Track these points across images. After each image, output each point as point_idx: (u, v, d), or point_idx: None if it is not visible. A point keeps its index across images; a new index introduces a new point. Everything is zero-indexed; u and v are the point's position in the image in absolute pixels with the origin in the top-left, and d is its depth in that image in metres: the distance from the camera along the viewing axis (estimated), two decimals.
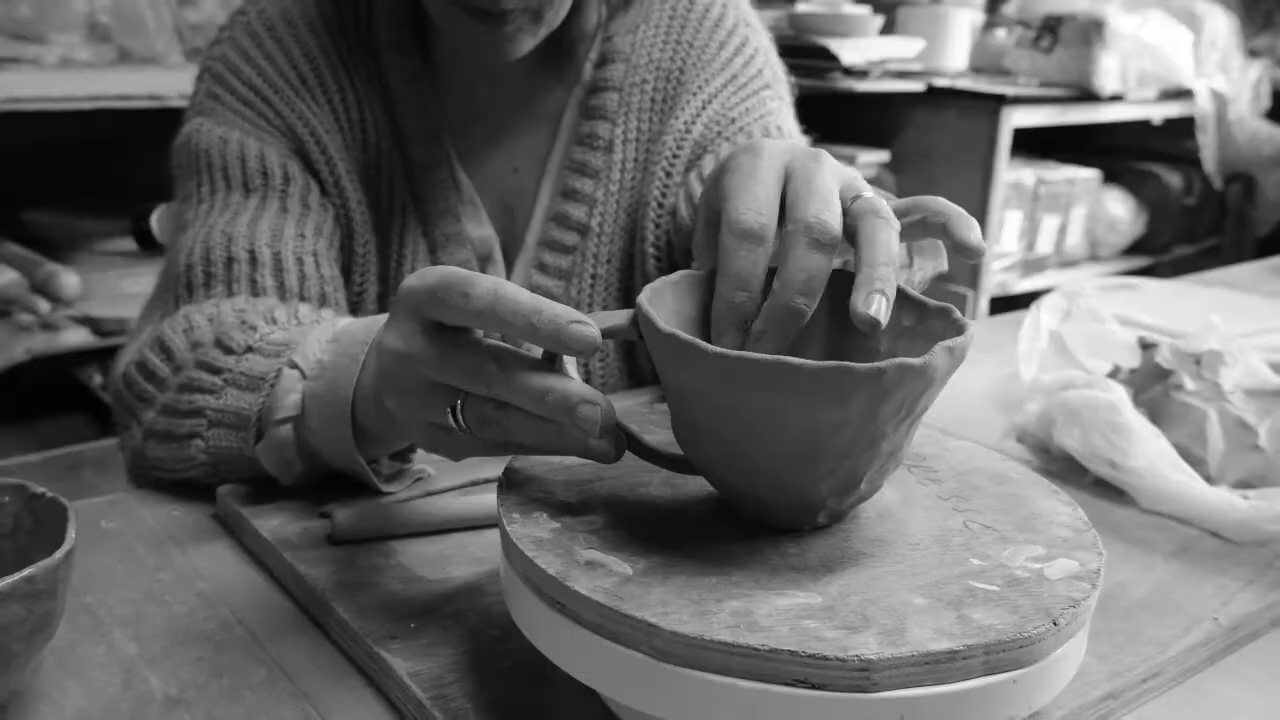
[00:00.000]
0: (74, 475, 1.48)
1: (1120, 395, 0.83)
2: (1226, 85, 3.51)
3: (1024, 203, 2.88)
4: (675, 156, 0.94)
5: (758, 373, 0.45)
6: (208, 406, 0.69)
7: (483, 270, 0.93)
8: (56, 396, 1.98)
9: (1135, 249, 3.46)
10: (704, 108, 0.94)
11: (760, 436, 0.47)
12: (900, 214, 0.56)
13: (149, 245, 1.74)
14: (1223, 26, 3.51)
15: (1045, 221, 2.99)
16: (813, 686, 0.41)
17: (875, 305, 0.47)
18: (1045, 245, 3.01)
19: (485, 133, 0.95)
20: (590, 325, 0.48)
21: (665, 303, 0.53)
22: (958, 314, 0.51)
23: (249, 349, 0.70)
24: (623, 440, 0.51)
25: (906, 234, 0.56)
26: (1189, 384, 0.88)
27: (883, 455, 0.48)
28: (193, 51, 1.84)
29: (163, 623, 0.57)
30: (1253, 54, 3.86)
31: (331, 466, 0.67)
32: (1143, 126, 3.51)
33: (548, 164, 0.95)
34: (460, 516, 0.64)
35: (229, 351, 0.70)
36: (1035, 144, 3.04)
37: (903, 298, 0.53)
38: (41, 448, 1.69)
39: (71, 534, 0.47)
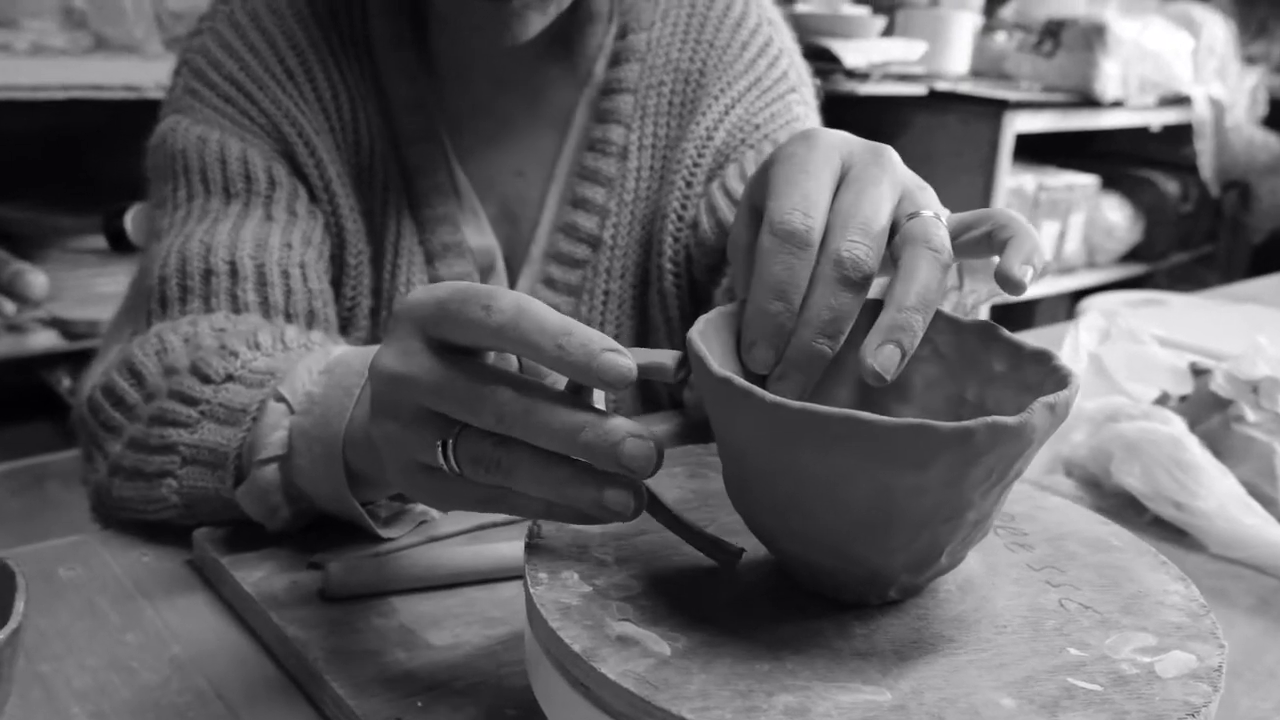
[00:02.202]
0: (38, 489, 1.39)
1: (1181, 428, 0.77)
2: (1224, 92, 3.47)
3: (1025, 209, 2.83)
4: (696, 165, 0.86)
5: (823, 428, 0.38)
6: (181, 442, 0.61)
7: (484, 283, 0.86)
8: (23, 402, 1.90)
9: (1132, 256, 3.42)
10: (726, 113, 0.87)
11: (824, 500, 0.40)
12: (965, 227, 0.51)
13: (123, 245, 1.66)
14: (1220, 33, 3.48)
15: (1045, 227, 2.94)
16: None
17: (885, 357, 0.42)
18: (1045, 252, 2.96)
19: (487, 133, 0.87)
20: (626, 356, 0.42)
21: (720, 337, 0.45)
22: (1059, 360, 0.44)
23: (229, 377, 0.62)
24: (644, 496, 0.43)
25: (969, 250, 0.50)
26: (1250, 415, 0.81)
27: (968, 525, 0.41)
28: (173, 41, 1.76)
29: (128, 695, 0.49)
30: (1249, 61, 3.83)
31: (321, 510, 0.59)
32: (1140, 133, 3.47)
33: (555, 169, 0.88)
34: (470, 569, 0.56)
35: (206, 380, 0.63)
36: (1034, 149, 2.98)
37: (993, 337, 0.46)
38: (6, 456, 1.61)
39: (20, 607, 0.40)
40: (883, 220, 0.45)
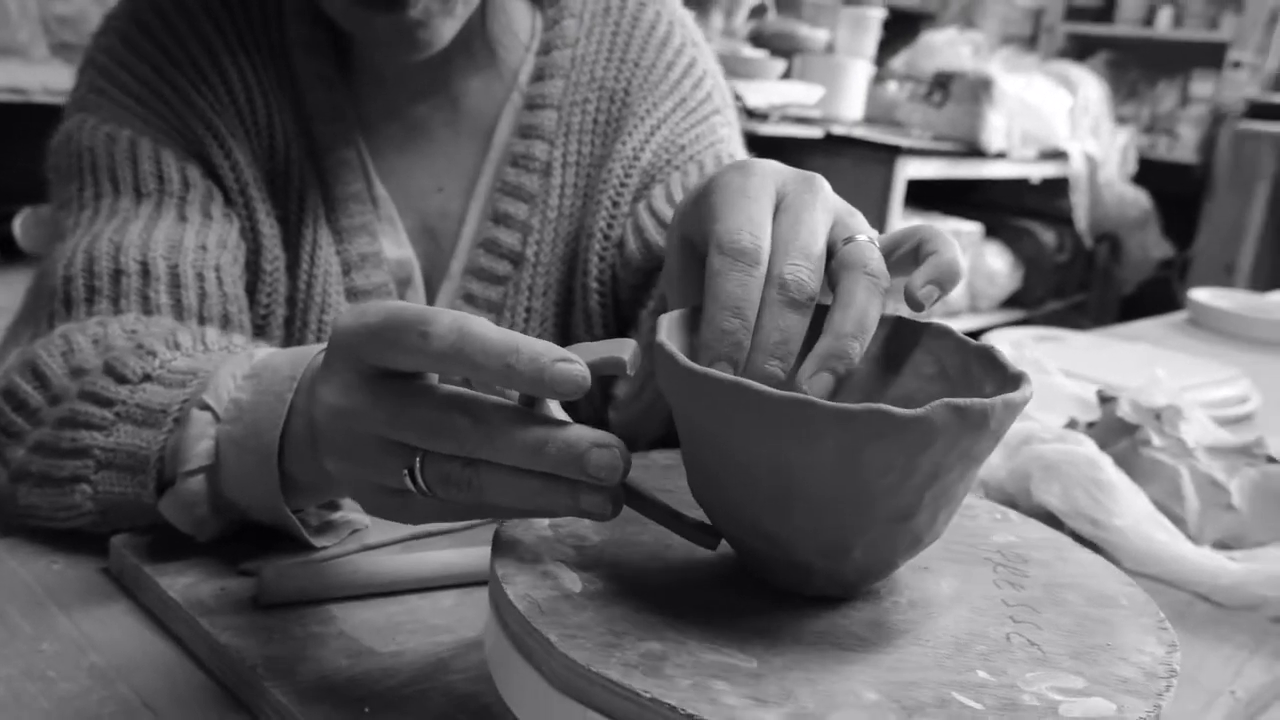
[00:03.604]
0: None
1: (1095, 450, 0.79)
2: (1098, 149, 3.64)
3: None
4: (623, 185, 0.86)
5: (720, 395, 0.39)
6: (95, 445, 0.58)
7: (401, 298, 0.84)
8: None
9: (1011, 302, 3.54)
10: (653, 133, 0.87)
11: (731, 469, 0.42)
12: (894, 245, 0.51)
13: (10, 252, 1.58)
14: (1094, 93, 3.65)
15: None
16: None
17: (820, 384, 0.43)
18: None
19: (406, 146, 0.85)
20: (578, 363, 0.41)
21: (676, 340, 0.45)
22: (1020, 383, 0.43)
23: (146, 377, 0.59)
24: (620, 494, 0.43)
25: (900, 268, 0.51)
26: (1156, 440, 0.84)
27: (881, 521, 0.41)
28: (60, 46, 1.70)
29: (48, 706, 0.46)
30: (1121, 121, 4.02)
31: (251, 519, 0.57)
32: (1019, 184, 3.61)
33: (476, 184, 0.86)
34: (410, 577, 0.55)
35: (122, 380, 0.59)
36: (921, 195, 3.07)
37: (992, 361, 0.46)
38: None
39: None
40: (820, 244, 0.46)
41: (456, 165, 0.86)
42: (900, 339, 0.48)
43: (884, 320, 0.48)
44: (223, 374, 0.56)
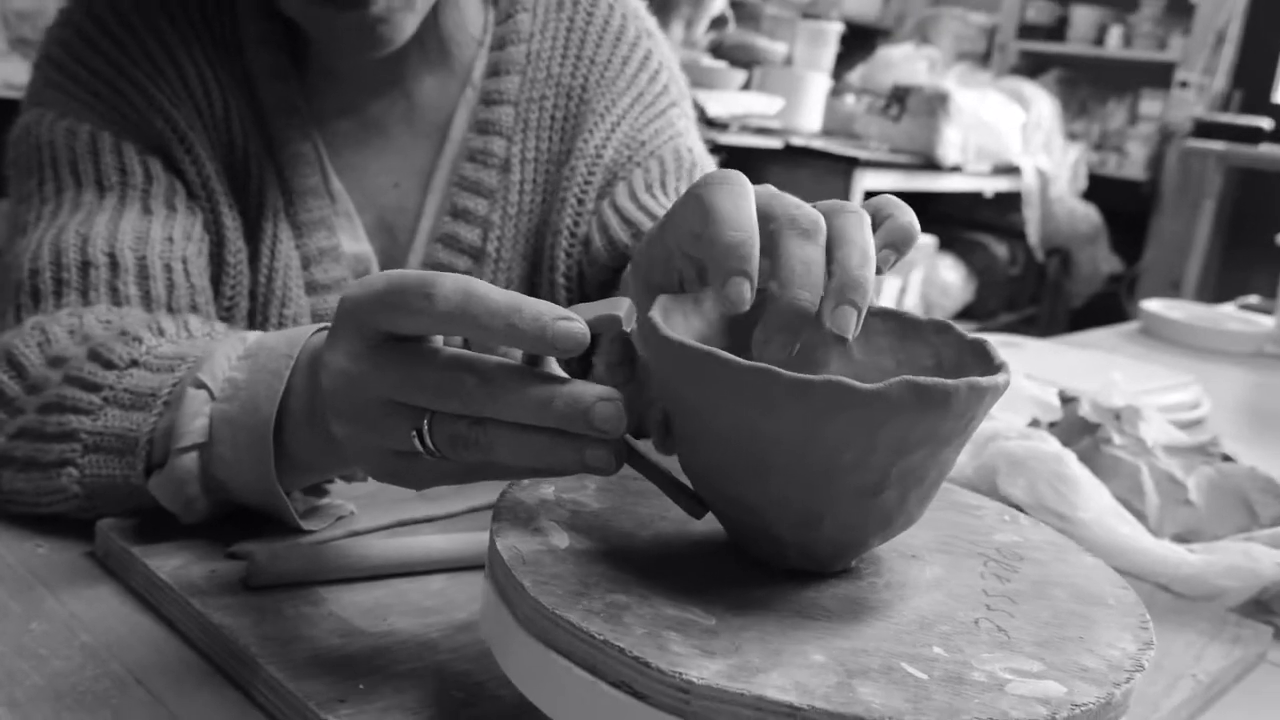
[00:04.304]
0: None
1: (1060, 446, 0.81)
2: (1049, 165, 3.70)
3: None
4: (588, 182, 0.87)
5: (693, 362, 0.41)
6: (82, 429, 0.58)
7: None
8: None
9: (964, 314, 3.59)
10: (613, 130, 0.88)
11: (704, 433, 0.43)
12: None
13: None
14: (1047, 110, 3.72)
15: (887, 283, 3.06)
16: (634, 694, 0.37)
17: (842, 317, 0.42)
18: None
19: (362, 141, 0.86)
20: (578, 321, 0.42)
21: (672, 320, 0.47)
22: (1001, 372, 0.44)
23: (134, 363, 0.60)
24: (623, 449, 0.44)
25: None
26: (1116, 438, 0.86)
27: (847, 495, 0.42)
28: (18, 41, 1.69)
29: (41, 681, 0.46)
30: (1071, 138, 4.10)
31: (239, 502, 0.57)
32: (973, 197, 3.66)
33: (433, 180, 0.87)
34: (398, 561, 0.55)
35: (109, 366, 0.60)
36: None
37: (985, 356, 0.46)
38: None
39: None
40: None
41: (412, 161, 0.87)
42: (901, 334, 0.49)
43: (886, 315, 0.49)
44: (218, 355, 0.57)
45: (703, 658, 0.37)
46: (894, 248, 0.47)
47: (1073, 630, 0.43)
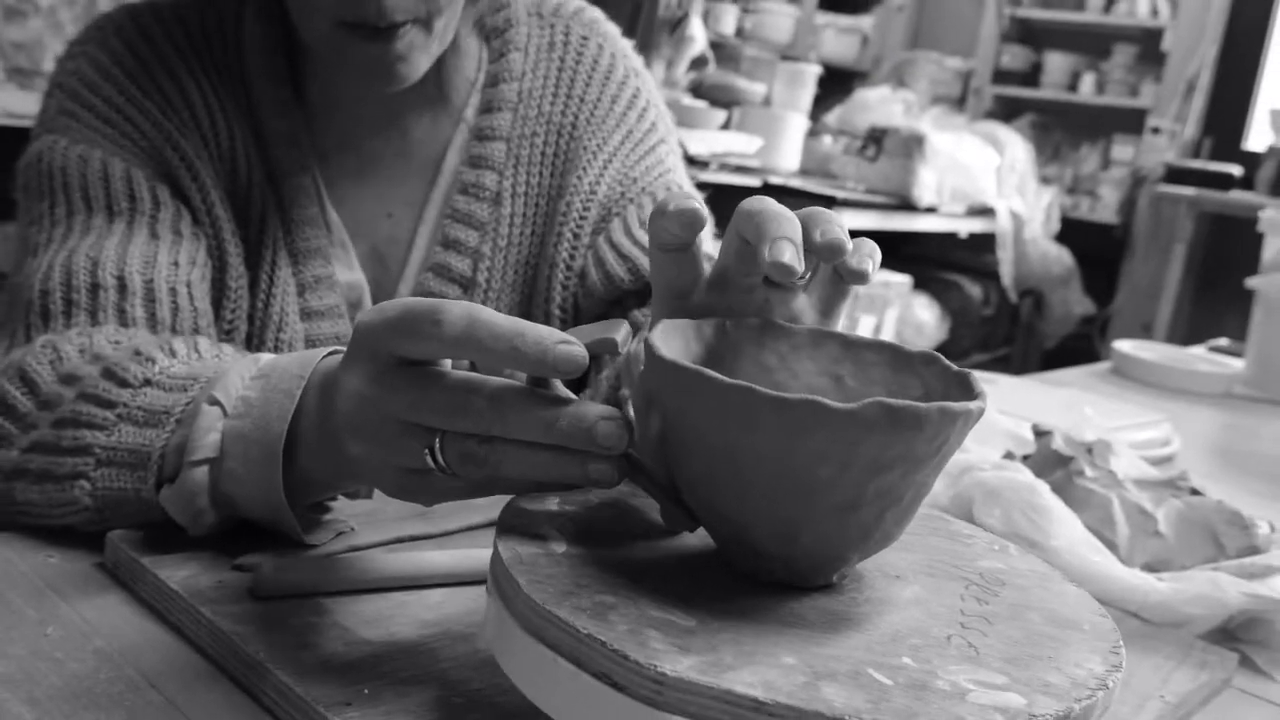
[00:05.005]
0: None
1: (1033, 477, 0.84)
2: (1023, 207, 3.77)
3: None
4: (583, 218, 0.90)
5: (685, 379, 0.44)
6: (96, 444, 0.60)
7: (352, 319, 0.87)
8: None
9: (938, 353, 3.62)
10: (605, 168, 0.91)
11: (691, 447, 0.45)
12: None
13: None
14: (1021, 154, 3.78)
15: (863, 321, 3.10)
16: (614, 685, 0.39)
17: (860, 260, 0.49)
18: (881, 339, 3.15)
19: (358, 173, 0.89)
20: (576, 344, 0.45)
21: (671, 344, 0.49)
22: (976, 401, 0.47)
23: (147, 381, 0.62)
24: (624, 463, 0.47)
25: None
26: (1088, 471, 0.89)
27: (825, 511, 0.44)
28: (14, 70, 1.70)
29: (59, 683, 0.48)
30: (1045, 181, 4.17)
31: (246, 515, 0.59)
32: (948, 238, 3.72)
33: (425, 211, 0.90)
34: (401, 574, 0.57)
35: (124, 384, 0.62)
36: None
37: (968, 387, 0.49)
38: None
39: None
40: None
41: (405, 193, 0.90)
42: (895, 365, 0.52)
43: (881, 347, 0.52)
44: (232, 374, 0.59)
45: (679, 654, 0.39)
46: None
47: (1044, 650, 0.45)
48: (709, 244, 0.63)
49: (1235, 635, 0.75)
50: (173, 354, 0.65)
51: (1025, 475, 0.84)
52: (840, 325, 0.56)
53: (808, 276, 0.54)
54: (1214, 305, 4.13)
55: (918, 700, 0.39)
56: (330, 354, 0.58)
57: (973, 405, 0.45)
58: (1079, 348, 4.11)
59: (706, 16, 3.24)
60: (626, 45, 0.98)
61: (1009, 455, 0.97)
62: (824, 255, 0.49)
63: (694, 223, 0.48)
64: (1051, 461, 0.92)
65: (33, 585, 0.56)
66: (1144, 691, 0.63)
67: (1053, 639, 0.46)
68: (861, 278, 0.51)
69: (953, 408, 0.43)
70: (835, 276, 0.54)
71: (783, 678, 0.39)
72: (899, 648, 0.43)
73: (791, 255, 0.46)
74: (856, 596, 0.48)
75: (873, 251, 0.52)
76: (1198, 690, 0.65)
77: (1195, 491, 0.89)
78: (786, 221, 0.47)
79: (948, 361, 0.51)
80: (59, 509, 0.61)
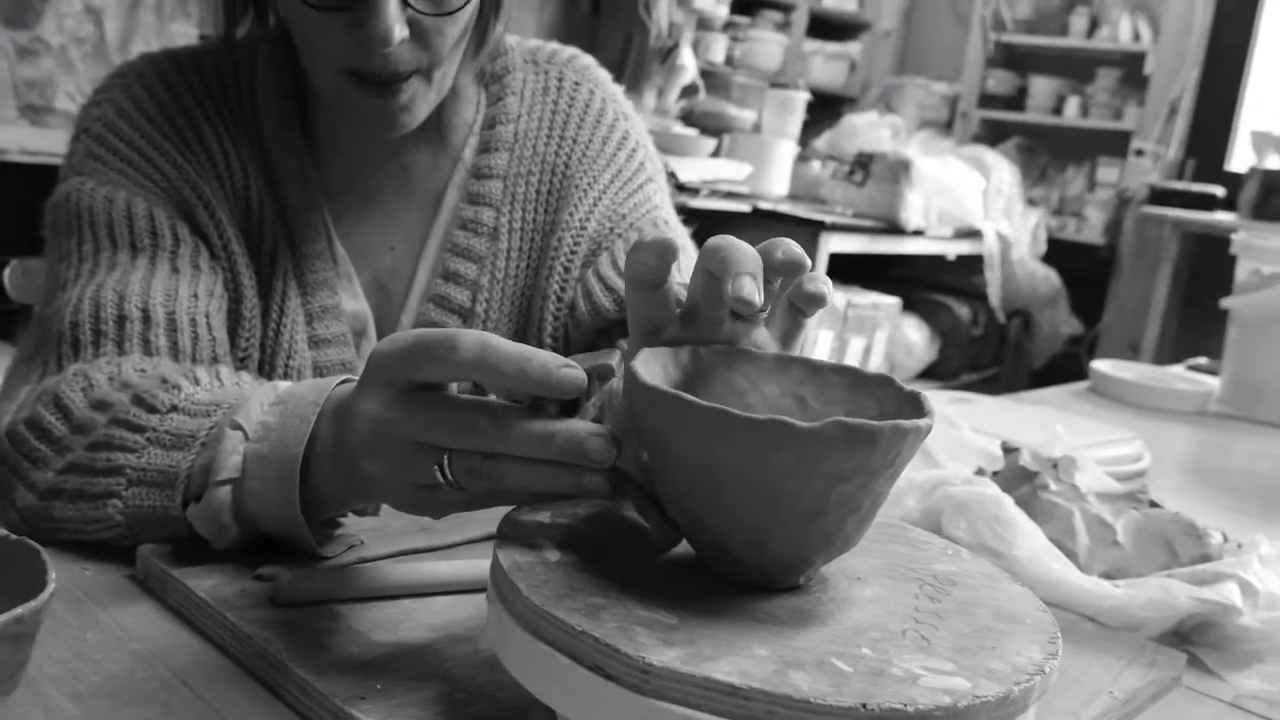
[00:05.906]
0: None
1: (999, 492, 0.89)
2: (1010, 229, 3.82)
3: (835, 324, 3.04)
4: (573, 252, 0.96)
5: (666, 403, 0.48)
6: (128, 465, 0.66)
7: (357, 348, 0.93)
8: None
9: (928, 374, 3.68)
10: (595, 205, 0.97)
11: (681, 469, 0.50)
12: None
13: None
14: (1007, 176, 3.84)
15: (853, 343, 3.16)
16: (605, 675, 0.44)
17: (745, 286, 0.52)
18: (842, 363, 3.20)
19: (363, 209, 0.95)
20: (577, 368, 0.51)
21: (651, 370, 0.54)
22: (928, 406, 0.52)
23: (173, 408, 0.67)
24: (614, 476, 0.53)
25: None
26: (1053, 485, 0.95)
27: (792, 518, 0.49)
28: (27, 108, 1.77)
29: (99, 681, 0.53)
30: (1031, 203, 4.23)
31: (264, 531, 0.64)
32: (937, 260, 3.77)
33: (426, 245, 0.96)
34: (408, 583, 0.63)
35: (152, 410, 0.67)
36: (843, 269, 3.21)
37: (918, 407, 0.53)
38: None
39: (52, 575, 0.44)
40: None
41: (406, 227, 0.96)
42: (853, 387, 0.57)
43: (841, 370, 0.57)
44: (253, 401, 0.64)
45: (663, 647, 0.44)
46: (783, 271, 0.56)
47: (989, 641, 0.50)
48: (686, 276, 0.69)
49: (1188, 638, 0.79)
50: (196, 382, 0.70)
51: (992, 489, 0.89)
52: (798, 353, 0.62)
53: (768, 309, 0.59)
54: (1200, 323, 4.18)
55: (874, 685, 0.44)
56: (344, 382, 0.63)
57: (921, 422, 0.50)
58: (1067, 367, 4.15)
59: (697, 45, 3.31)
60: (617, 90, 1.04)
61: (980, 471, 1.02)
62: (785, 271, 0.55)
63: (666, 252, 0.53)
64: (1019, 476, 0.97)
65: (72, 595, 0.62)
66: (1094, 688, 0.68)
67: (997, 631, 0.51)
68: (819, 300, 0.56)
69: (904, 425, 0.49)
70: (793, 310, 0.59)
71: (756, 667, 0.44)
72: (859, 640, 0.48)
73: (750, 289, 0.51)
74: (821, 596, 0.53)
75: (826, 280, 0.58)
76: (1146, 687, 0.70)
77: (1154, 504, 0.94)
78: (748, 258, 0.53)
79: (901, 383, 0.57)
80: (93, 525, 0.66)
